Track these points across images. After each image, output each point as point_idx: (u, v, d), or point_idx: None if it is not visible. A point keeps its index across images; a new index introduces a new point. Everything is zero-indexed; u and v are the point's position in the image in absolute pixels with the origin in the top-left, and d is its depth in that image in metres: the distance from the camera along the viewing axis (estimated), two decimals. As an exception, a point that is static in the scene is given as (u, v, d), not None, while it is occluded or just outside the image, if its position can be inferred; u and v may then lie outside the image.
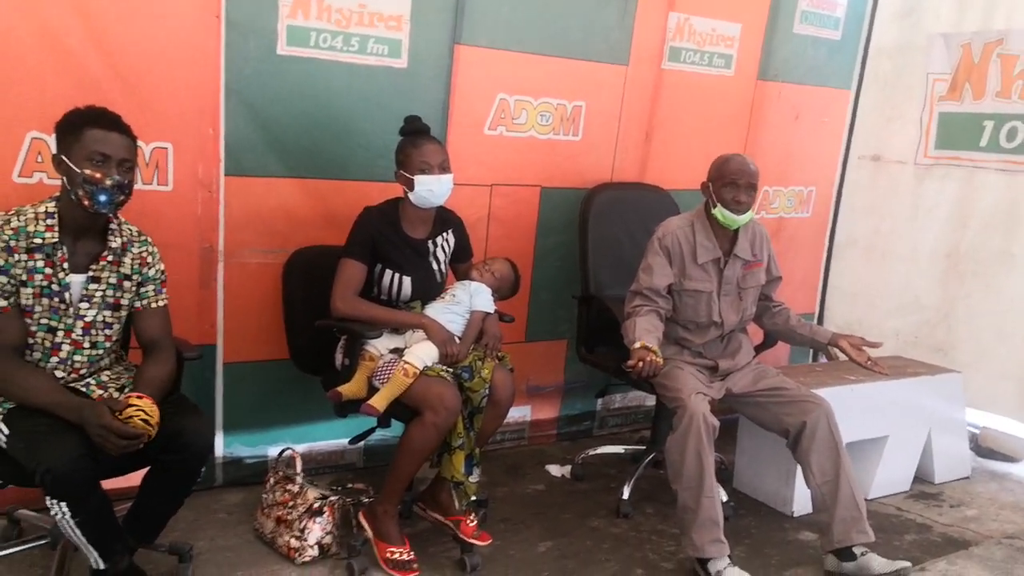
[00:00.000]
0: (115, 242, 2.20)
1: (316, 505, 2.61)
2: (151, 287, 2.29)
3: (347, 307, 2.61)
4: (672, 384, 2.80)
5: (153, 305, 2.30)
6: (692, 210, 3.01)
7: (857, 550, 2.72)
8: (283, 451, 2.85)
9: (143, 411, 2.02)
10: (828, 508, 2.74)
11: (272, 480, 2.74)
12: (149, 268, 2.28)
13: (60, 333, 2.15)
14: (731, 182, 2.82)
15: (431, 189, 2.64)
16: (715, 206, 2.86)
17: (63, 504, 1.95)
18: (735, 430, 3.41)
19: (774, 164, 4.05)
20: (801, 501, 3.16)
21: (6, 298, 2.06)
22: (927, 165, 4.14)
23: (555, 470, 3.49)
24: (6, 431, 2.05)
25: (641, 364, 2.63)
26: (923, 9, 4.14)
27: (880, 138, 4.31)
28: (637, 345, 2.69)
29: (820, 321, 4.56)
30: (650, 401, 3.85)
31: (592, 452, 3.52)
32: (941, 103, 4.07)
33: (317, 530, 2.60)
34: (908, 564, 2.73)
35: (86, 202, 2.07)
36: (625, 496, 3.15)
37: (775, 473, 3.26)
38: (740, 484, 3.42)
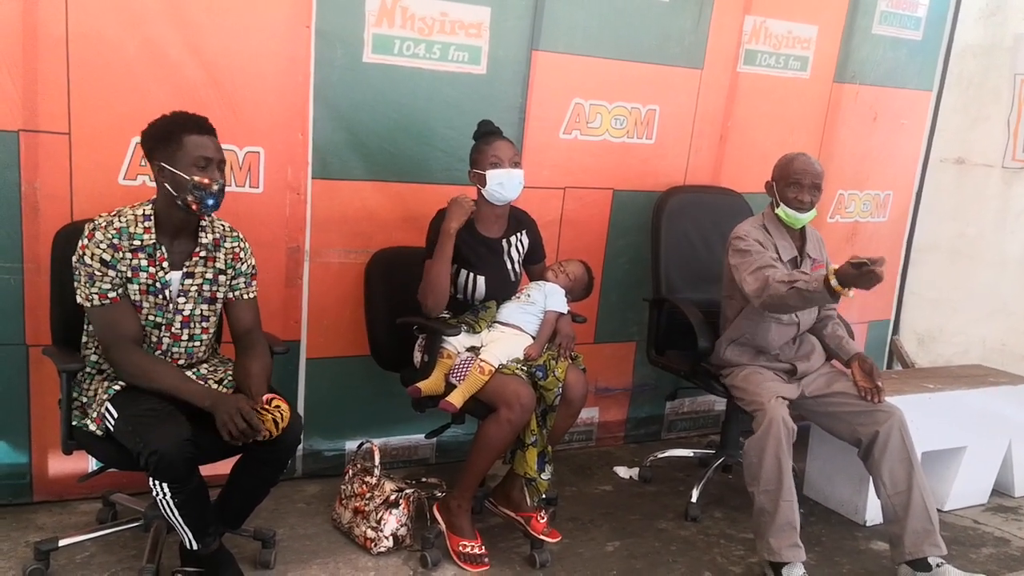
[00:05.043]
0: (206, 238, 2.31)
1: (392, 497, 2.68)
2: (242, 280, 2.39)
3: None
4: (751, 388, 2.80)
5: (245, 296, 2.41)
6: (758, 214, 3.01)
7: (932, 561, 2.67)
8: (362, 444, 2.93)
9: (284, 413, 2.15)
10: (899, 520, 2.70)
11: (351, 472, 2.82)
12: (242, 263, 2.39)
13: (163, 328, 2.28)
14: (795, 181, 2.82)
15: (501, 182, 2.70)
16: (778, 205, 2.87)
17: (165, 485, 2.07)
18: (806, 437, 3.37)
19: (850, 167, 3.99)
20: (873, 510, 3.11)
21: (115, 289, 2.18)
22: (1015, 168, 4.02)
23: (623, 472, 3.51)
24: (114, 414, 2.16)
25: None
26: (1009, 8, 4.03)
27: (964, 140, 4.20)
28: (834, 266, 2.52)
29: (896, 328, 4.47)
30: (719, 405, 3.85)
31: (660, 455, 3.53)
32: (1029, 104, 3.95)
33: (393, 521, 2.67)
34: (985, 577, 2.69)
35: (195, 206, 2.17)
36: (694, 499, 3.15)
37: (847, 481, 3.22)
38: (811, 491, 3.39)
